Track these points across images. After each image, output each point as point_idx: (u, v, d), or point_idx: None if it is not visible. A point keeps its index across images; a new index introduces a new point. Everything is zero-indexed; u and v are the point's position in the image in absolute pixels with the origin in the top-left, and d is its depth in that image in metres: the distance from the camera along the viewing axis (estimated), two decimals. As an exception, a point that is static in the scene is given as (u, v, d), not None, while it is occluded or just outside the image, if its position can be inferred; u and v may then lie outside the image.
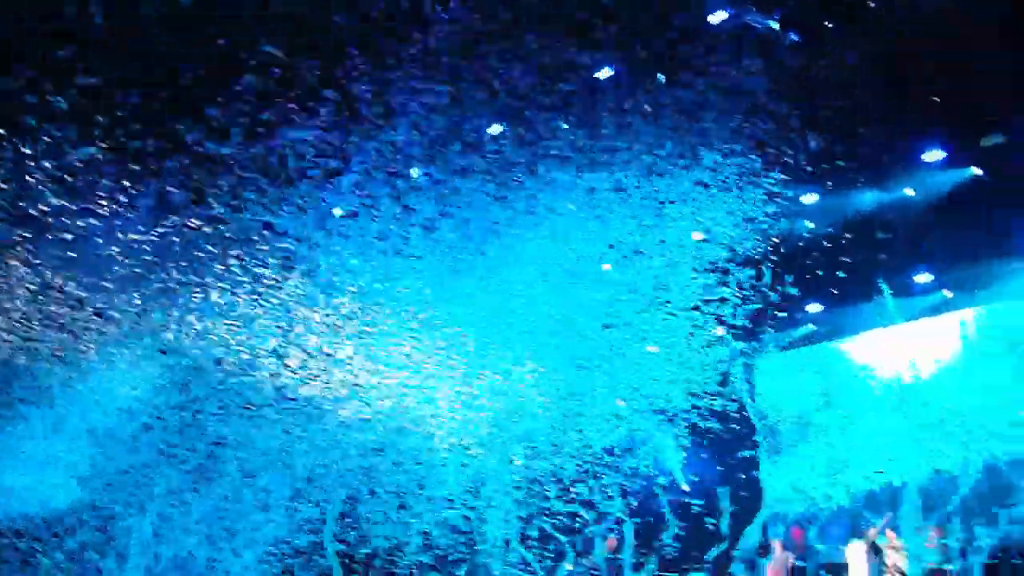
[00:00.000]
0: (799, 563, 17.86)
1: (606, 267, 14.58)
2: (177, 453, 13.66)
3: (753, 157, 14.07)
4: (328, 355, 13.52)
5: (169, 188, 12.43)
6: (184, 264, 13.16)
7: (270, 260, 13.03)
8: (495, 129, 14.20)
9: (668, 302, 14.88)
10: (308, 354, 13.50)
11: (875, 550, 15.83)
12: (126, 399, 13.40)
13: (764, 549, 17.04)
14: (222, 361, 13.43)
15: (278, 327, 13.37)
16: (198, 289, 13.22)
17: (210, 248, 12.80)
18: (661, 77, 14.14)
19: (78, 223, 12.29)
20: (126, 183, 12.20)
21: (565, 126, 14.06)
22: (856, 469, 19.29)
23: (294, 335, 13.44)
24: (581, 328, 14.13)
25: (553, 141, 13.75)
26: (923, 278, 18.59)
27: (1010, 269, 17.38)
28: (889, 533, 16.77)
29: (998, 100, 15.20)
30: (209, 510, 13.86)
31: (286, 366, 13.51)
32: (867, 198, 17.62)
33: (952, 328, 18.71)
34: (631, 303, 14.46)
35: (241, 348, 13.36)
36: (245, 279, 13.05)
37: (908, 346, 18.99)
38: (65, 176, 12.25)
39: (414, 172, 13.70)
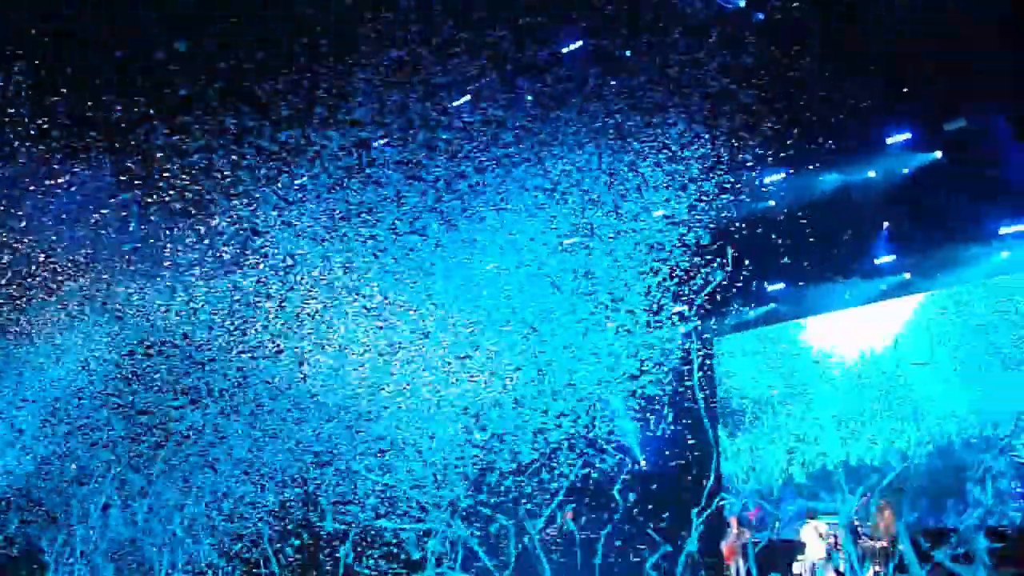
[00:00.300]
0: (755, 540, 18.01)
1: (569, 240, 14.52)
2: (127, 433, 13.54)
3: (717, 137, 14.00)
4: (284, 336, 13.43)
5: (127, 163, 12.27)
6: (140, 240, 13.00)
7: (227, 240, 12.88)
8: (458, 102, 14.07)
9: (626, 282, 14.88)
10: (266, 335, 13.40)
11: (853, 532, 16.02)
12: (75, 377, 13.24)
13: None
14: (176, 341, 13.31)
15: (234, 307, 13.24)
16: (153, 265, 13.07)
17: (167, 224, 12.64)
18: (626, 53, 14.02)
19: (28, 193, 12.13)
20: (80, 157, 12.02)
21: (530, 98, 13.95)
22: (814, 449, 19.53)
23: (251, 316, 13.32)
24: (538, 308, 14.07)
25: (516, 119, 13.63)
26: (884, 260, 18.64)
27: (971, 254, 17.49)
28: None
29: (964, 83, 15.22)
30: (157, 493, 13.78)
31: (242, 347, 13.41)
32: (830, 179, 17.62)
33: (911, 310, 18.88)
34: (590, 283, 14.42)
35: (195, 327, 13.24)
36: (200, 257, 12.91)
37: (868, 327, 19.18)
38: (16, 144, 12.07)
39: (376, 146, 13.60)
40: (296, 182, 12.96)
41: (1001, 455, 17.38)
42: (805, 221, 17.26)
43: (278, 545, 14.13)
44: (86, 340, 13.43)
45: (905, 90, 15.47)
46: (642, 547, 15.96)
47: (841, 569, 16.10)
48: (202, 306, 13.23)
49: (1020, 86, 14.94)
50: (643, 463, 19.06)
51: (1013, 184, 16.18)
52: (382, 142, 13.81)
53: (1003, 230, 17.08)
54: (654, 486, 17.19)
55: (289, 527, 14.77)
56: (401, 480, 14.19)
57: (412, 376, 13.88)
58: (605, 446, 15.56)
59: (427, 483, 14.20)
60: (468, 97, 14.13)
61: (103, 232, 12.73)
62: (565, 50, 14.57)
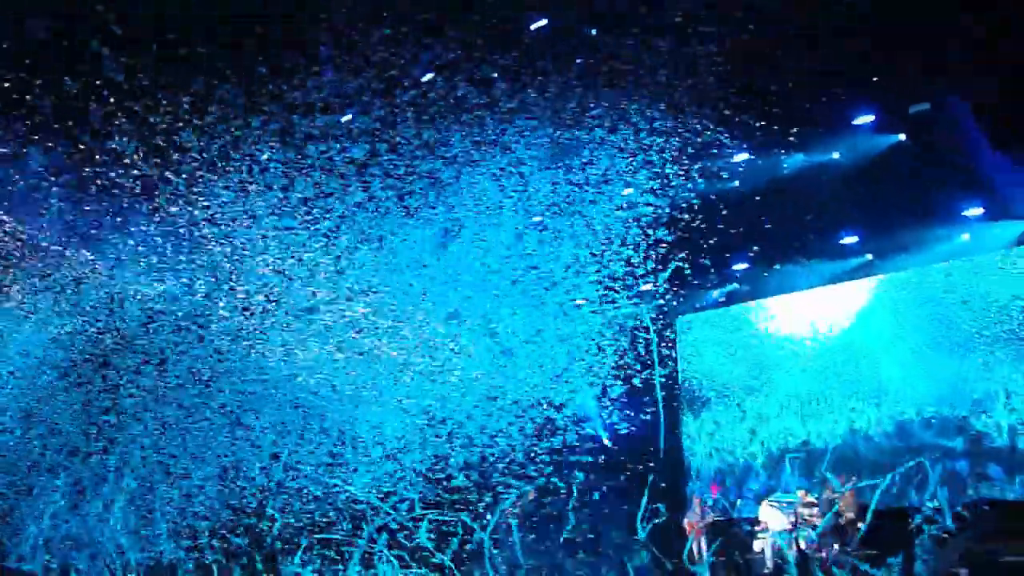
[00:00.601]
0: (718, 518, 18.11)
1: (537, 218, 14.46)
2: (81, 418, 13.32)
3: (681, 117, 13.96)
4: (245, 318, 13.27)
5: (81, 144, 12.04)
6: (98, 214, 12.80)
7: (187, 214, 12.68)
8: (426, 77, 13.94)
9: (592, 260, 14.87)
10: (224, 316, 13.23)
11: (829, 504, 16.16)
12: (31, 356, 13.00)
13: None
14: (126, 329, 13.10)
15: (193, 294, 13.06)
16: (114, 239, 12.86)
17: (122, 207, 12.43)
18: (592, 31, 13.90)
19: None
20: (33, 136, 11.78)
21: (495, 75, 13.82)
22: (775, 429, 19.68)
23: (213, 293, 13.14)
24: (498, 289, 14.01)
25: (481, 96, 13.50)
26: (847, 241, 18.72)
27: (932, 236, 17.60)
28: (801, 492, 17.09)
29: (929, 67, 15.26)
30: (113, 480, 13.56)
31: (202, 326, 13.24)
32: (795, 160, 17.63)
33: (873, 291, 18.99)
34: (554, 263, 14.39)
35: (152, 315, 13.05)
36: (158, 235, 12.70)
37: (829, 308, 19.28)
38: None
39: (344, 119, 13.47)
40: (254, 166, 12.77)
41: (959, 435, 17.63)
42: (769, 202, 17.30)
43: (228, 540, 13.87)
44: (37, 326, 13.20)
45: (876, 79, 15.48)
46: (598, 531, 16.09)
47: (803, 546, 16.20)
48: (160, 294, 13.04)
49: (984, 70, 15.02)
50: (606, 442, 19.07)
51: (975, 167, 16.30)
52: (346, 118, 13.68)
53: (965, 212, 17.21)
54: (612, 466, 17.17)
55: (240, 520, 14.54)
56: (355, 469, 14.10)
57: (370, 356, 13.77)
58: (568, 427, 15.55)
59: (381, 474, 14.13)
60: (432, 75, 14.01)
61: (57, 213, 12.48)
62: (533, 26, 14.45)
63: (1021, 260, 17.30)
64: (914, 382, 18.13)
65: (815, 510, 16.80)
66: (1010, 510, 16.40)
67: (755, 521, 17.32)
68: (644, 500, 12.88)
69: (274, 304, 13.36)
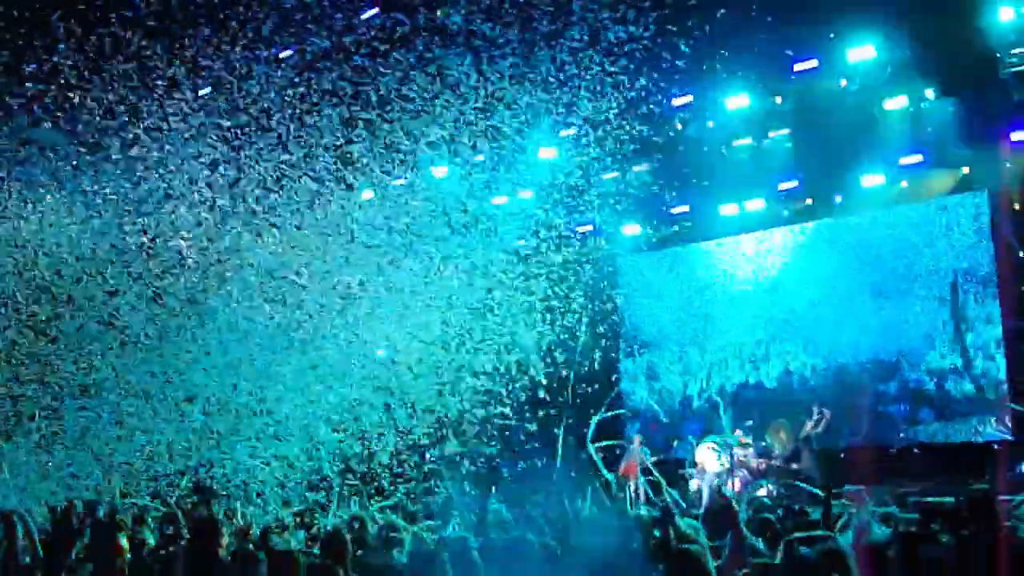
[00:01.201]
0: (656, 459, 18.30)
1: (479, 158, 14.39)
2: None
3: (624, 58, 13.87)
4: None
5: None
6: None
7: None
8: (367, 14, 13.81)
9: (530, 204, 14.90)
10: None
11: (807, 441, 16.46)
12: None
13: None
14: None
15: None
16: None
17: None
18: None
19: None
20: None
21: (439, 12, 13.66)
22: (713, 370, 19.91)
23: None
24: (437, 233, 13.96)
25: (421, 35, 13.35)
26: (787, 186, 18.79)
27: (871, 182, 17.71)
28: (737, 434, 17.35)
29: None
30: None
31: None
32: (737, 104, 17.63)
33: (811, 236, 19.13)
34: (495, 202, 14.39)
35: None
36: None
37: (769, 251, 19.42)
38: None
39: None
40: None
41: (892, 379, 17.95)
42: (709, 146, 17.36)
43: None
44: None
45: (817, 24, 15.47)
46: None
47: (737, 486, 16.48)
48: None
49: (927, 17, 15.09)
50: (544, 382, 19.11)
51: (915, 115, 16.44)
52: (287, 53, 13.51)
53: (903, 160, 17.31)
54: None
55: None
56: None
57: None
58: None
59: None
60: (376, 10, 13.83)
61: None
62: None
63: (957, 208, 17.52)
64: (850, 327, 18.33)
65: (751, 451, 17.11)
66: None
67: (692, 462, 17.58)
68: (560, 433, 13.00)
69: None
